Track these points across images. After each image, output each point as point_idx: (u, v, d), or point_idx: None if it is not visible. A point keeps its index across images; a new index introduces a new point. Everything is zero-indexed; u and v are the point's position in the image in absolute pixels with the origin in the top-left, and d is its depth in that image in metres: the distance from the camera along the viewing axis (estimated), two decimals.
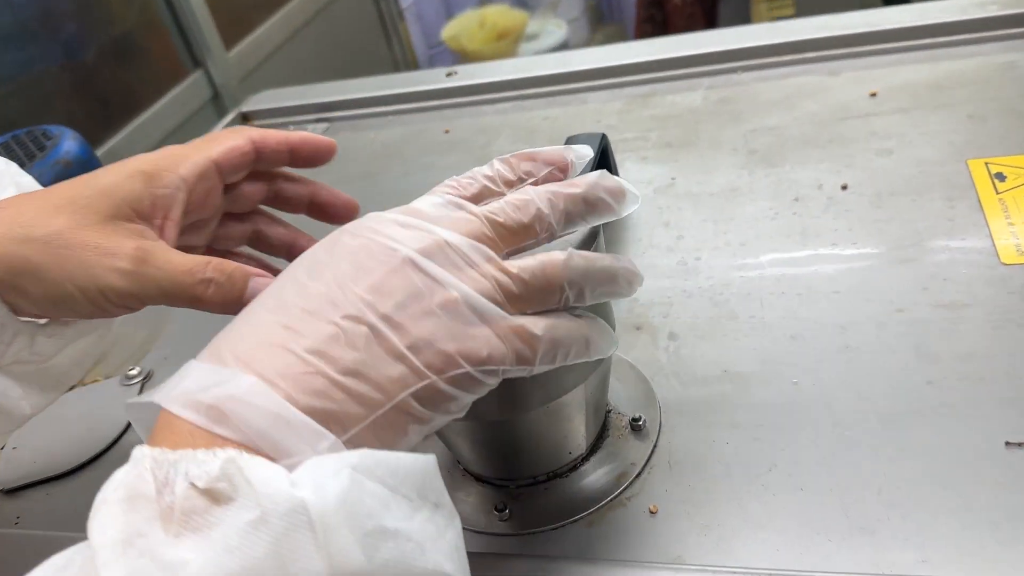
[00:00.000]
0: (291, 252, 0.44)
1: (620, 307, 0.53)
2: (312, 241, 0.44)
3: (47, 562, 0.24)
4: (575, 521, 0.41)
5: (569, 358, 0.32)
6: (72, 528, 0.31)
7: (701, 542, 0.38)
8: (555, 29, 2.32)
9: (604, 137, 0.62)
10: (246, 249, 0.45)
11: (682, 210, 0.62)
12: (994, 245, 0.50)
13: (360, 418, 0.27)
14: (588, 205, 0.34)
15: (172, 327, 0.63)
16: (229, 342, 0.28)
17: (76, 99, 1.37)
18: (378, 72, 2.09)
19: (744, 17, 1.92)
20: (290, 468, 0.25)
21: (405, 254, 0.29)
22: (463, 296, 0.29)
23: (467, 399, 0.30)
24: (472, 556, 0.29)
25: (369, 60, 2.17)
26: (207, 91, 1.61)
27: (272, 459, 0.25)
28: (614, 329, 0.37)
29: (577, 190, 0.33)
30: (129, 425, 0.55)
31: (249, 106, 0.95)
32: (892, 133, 0.64)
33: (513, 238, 0.32)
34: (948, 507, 0.37)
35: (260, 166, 0.41)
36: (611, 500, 0.41)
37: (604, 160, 0.62)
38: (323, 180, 0.80)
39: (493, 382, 0.30)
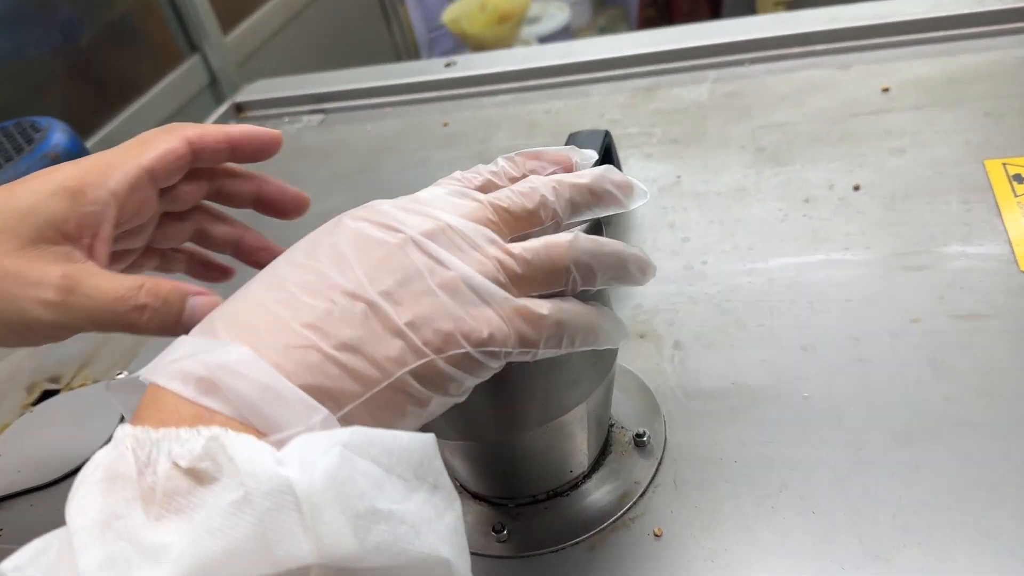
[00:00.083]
0: (237, 249, 0.43)
1: (622, 313, 0.52)
2: (258, 237, 0.43)
3: (26, 547, 0.23)
4: (576, 544, 0.39)
5: (576, 344, 0.31)
6: None
7: (708, 569, 0.37)
8: (557, 12, 2.29)
9: (608, 134, 0.59)
10: (191, 245, 0.43)
11: (688, 211, 0.60)
12: (1013, 252, 0.48)
13: (356, 395, 0.26)
14: (594, 195, 0.33)
15: None
16: (223, 317, 0.27)
17: (71, 85, 1.34)
18: (377, 55, 2.06)
19: (749, 2, 1.89)
20: (280, 444, 0.24)
21: (406, 235, 0.28)
22: (464, 276, 0.28)
23: (468, 382, 0.29)
24: None
25: (368, 43, 2.14)
26: (204, 76, 1.58)
27: (262, 434, 0.24)
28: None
29: (583, 180, 0.33)
30: None
31: (243, 96, 0.93)
32: (906, 131, 0.62)
33: (518, 224, 0.31)
34: (967, 534, 0.35)
35: (200, 164, 0.39)
36: (614, 521, 0.40)
37: (608, 158, 0.60)
38: (320, 175, 0.78)
39: (495, 365, 0.29)
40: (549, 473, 0.40)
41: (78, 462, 0.52)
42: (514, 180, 0.34)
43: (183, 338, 0.27)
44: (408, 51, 2.21)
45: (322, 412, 0.25)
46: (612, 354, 0.39)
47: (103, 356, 0.61)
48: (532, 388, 0.35)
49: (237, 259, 0.43)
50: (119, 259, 0.39)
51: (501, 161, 0.34)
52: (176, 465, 0.22)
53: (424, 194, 0.32)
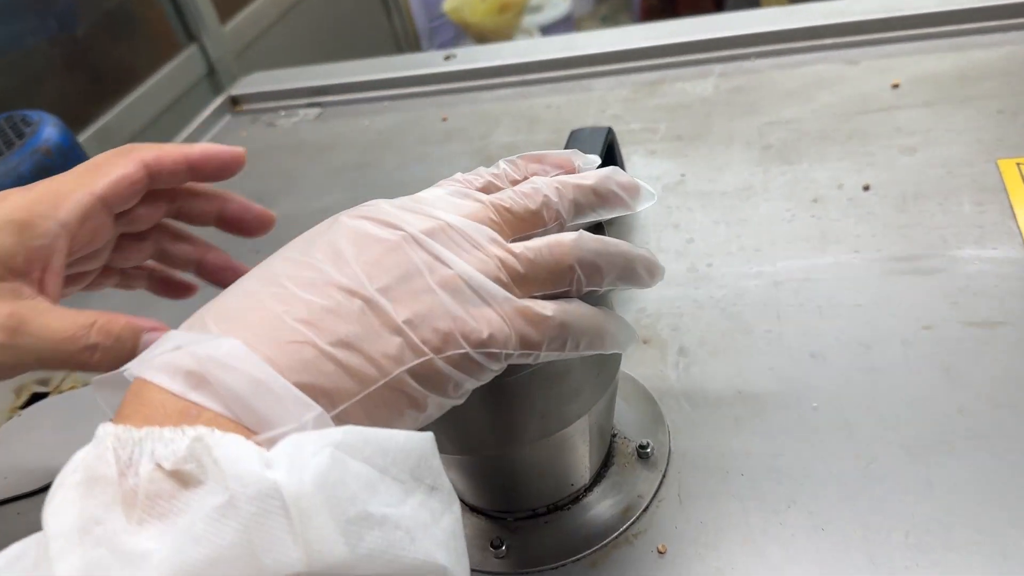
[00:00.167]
0: (199, 268, 0.42)
1: (625, 317, 0.50)
2: (221, 256, 0.42)
3: (1, 553, 0.22)
4: (577, 560, 0.38)
5: (580, 347, 0.30)
6: None
7: None
8: (559, 1, 2.27)
9: (610, 131, 0.58)
10: (152, 262, 0.42)
11: (692, 210, 0.58)
12: None
13: (351, 393, 0.25)
14: (599, 197, 0.32)
15: None
16: (213, 310, 0.26)
17: (66, 76, 1.33)
18: (377, 44, 2.04)
19: None
20: (270, 443, 0.22)
21: (406, 232, 0.28)
22: (464, 274, 0.27)
23: (468, 383, 0.28)
24: None
25: (368, 32, 2.12)
26: (202, 66, 1.56)
27: (252, 432, 0.23)
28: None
29: (587, 181, 0.32)
30: None
31: (239, 89, 0.91)
32: (916, 129, 0.60)
33: (520, 225, 0.30)
34: (983, 554, 0.34)
35: (158, 186, 0.38)
36: (616, 537, 0.38)
37: (610, 155, 0.59)
38: (317, 171, 0.77)
39: (495, 367, 0.28)
40: (549, 487, 0.39)
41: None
42: (516, 183, 0.33)
43: (171, 332, 0.26)
44: (408, 40, 2.19)
45: (315, 410, 0.24)
46: (615, 363, 0.37)
47: None
48: (532, 401, 0.33)
49: (199, 278, 0.42)
50: (75, 281, 0.38)
51: (502, 164, 0.33)
52: (159, 467, 0.21)
53: (424, 194, 0.31)
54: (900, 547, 0.35)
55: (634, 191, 0.33)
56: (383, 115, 0.83)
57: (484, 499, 0.40)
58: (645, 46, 0.78)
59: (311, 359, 0.24)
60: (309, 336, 0.25)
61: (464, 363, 0.27)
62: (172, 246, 0.41)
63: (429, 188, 0.32)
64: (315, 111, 0.86)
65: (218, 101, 0.90)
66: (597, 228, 0.35)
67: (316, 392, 0.24)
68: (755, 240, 0.54)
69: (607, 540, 0.38)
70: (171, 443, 0.22)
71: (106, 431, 0.22)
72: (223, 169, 0.38)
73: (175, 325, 0.27)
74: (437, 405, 0.27)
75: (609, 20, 2.59)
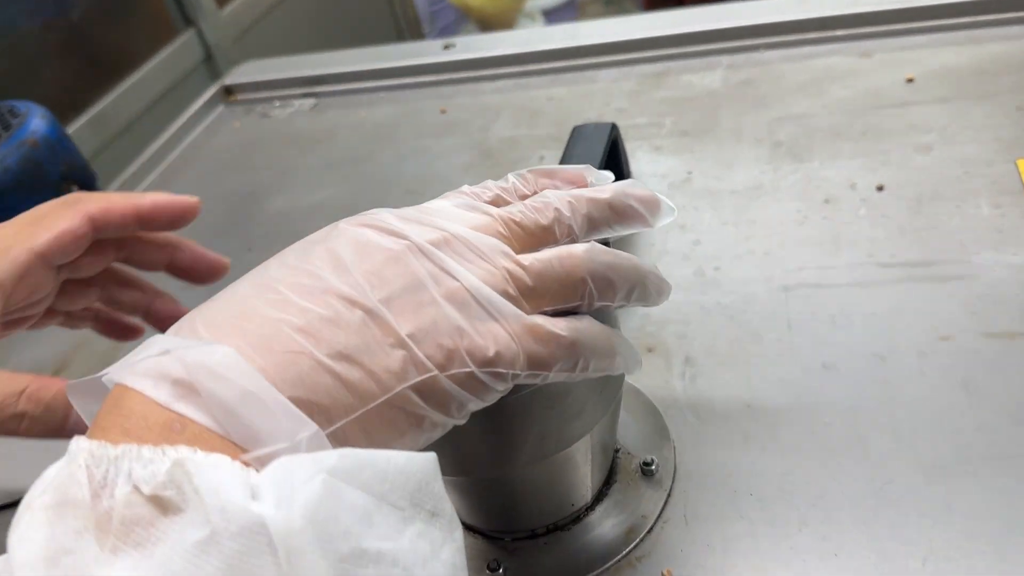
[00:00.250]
0: (147, 315, 0.41)
1: (630, 323, 0.48)
2: (169, 304, 0.41)
3: None
4: None
5: (589, 369, 0.28)
6: None
7: None
8: None
9: (614, 128, 0.56)
10: (99, 304, 0.41)
11: (699, 210, 0.56)
12: None
13: (349, 409, 0.23)
14: (614, 212, 0.30)
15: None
16: (203, 315, 0.25)
17: (60, 61, 1.30)
18: (377, 28, 2.01)
19: None
20: (260, 462, 0.21)
21: (409, 241, 0.26)
22: (471, 287, 0.26)
23: (471, 404, 0.26)
24: None
25: (368, 15, 2.09)
26: (199, 52, 1.54)
27: (241, 448, 0.21)
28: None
29: (603, 195, 0.30)
30: None
31: (232, 79, 0.89)
32: (932, 126, 0.58)
33: (530, 240, 0.29)
34: None
35: (104, 237, 0.36)
36: (619, 560, 0.37)
37: (614, 153, 0.57)
38: (311, 164, 0.75)
39: (501, 388, 0.26)
40: (549, 506, 0.37)
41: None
42: (525, 198, 0.31)
43: (158, 336, 0.24)
44: (409, 24, 2.16)
45: (310, 427, 0.22)
46: (619, 380, 0.36)
47: (79, 359, 0.58)
48: (532, 421, 0.32)
49: (147, 324, 0.41)
50: (16, 324, 0.37)
51: (511, 177, 0.32)
52: (136, 489, 0.19)
53: (430, 205, 0.30)
54: (917, 575, 0.33)
55: (653, 206, 0.31)
56: (380, 106, 0.81)
57: (480, 519, 0.38)
58: (650, 36, 0.75)
59: (308, 371, 0.23)
60: (306, 347, 0.23)
61: (469, 382, 0.25)
62: (119, 292, 0.40)
63: (435, 199, 0.30)
64: (310, 102, 0.84)
65: (211, 91, 0.88)
66: (602, 243, 0.33)
67: (312, 407, 0.22)
68: (764, 243, 0.52)
69: (609, 563, 0.36)
70: (150, 464, 0.20)
71: (79, 446, 0.20)
72: (175, 220, 0.37)
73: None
74: (440, 425, 0.26)
75: (613, 4, 2.55)
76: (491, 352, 0.25)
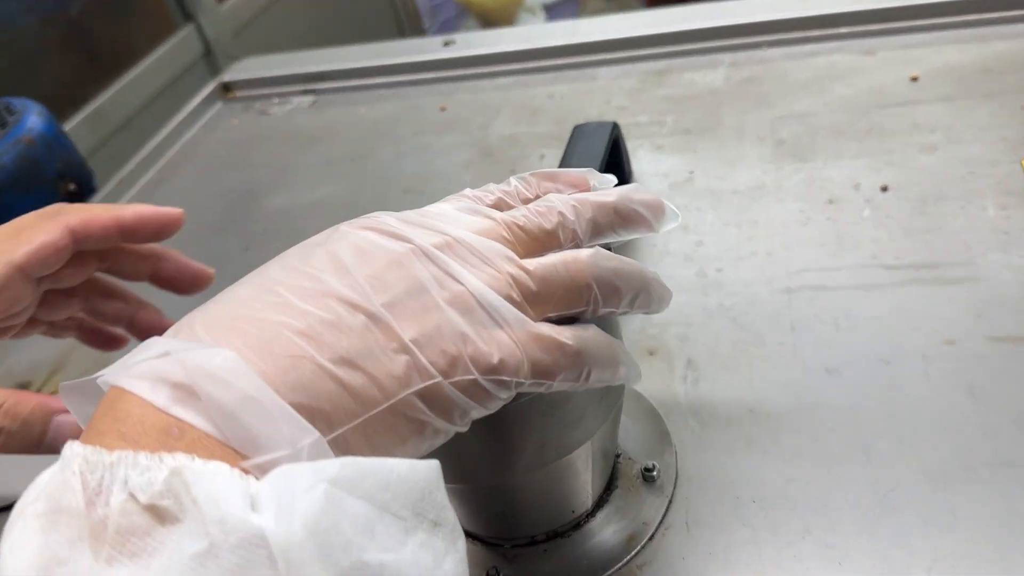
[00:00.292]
0: (130, 326, 0.40)
1: (631, 326, 0.48)
2: (153, 315, 0.40)
3: None
4: None
5: (592, 379, 0.28)
6: None
7: None
8: None
9: (615, 127, 0.55)
10: (82, 314, 0.40)
11: (701, 211, 0.55)
12: None
13: (351, 416, 0.23)
14: (620, 216, 0.30)
15: None
16: (203, 317, 0.24)
17: (59, 56, 1.30)
18: (377, 22, 2.00)
19: None
20: (260, 470, 0.20)
21: (412, 244, 0.26)
22: (475, 291, 0.25)
23: (474, 411, 0.25)
24: None
25: (368, 10, 2.08)
26: (198, 46, 1.53)
27: (241, 455, 0.21)
28: None
29: (608, 199, 0.30)
30: None
31: (231, 75, 0.88)
32: (937, 125, 0.57)
33: (534, 244, 0.28)
34: None
35: (86, 248, 0.36)
36: (620, 568, 0.36)
37: (615, 152, 0.56)
38: (310, 161, 0.74)
39: (504, 396, 0.26)
40: (549, 513, 0.37)
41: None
42: (527, 201, 0.31)
43: (155, 338, 0.23)
44: (409, 18, 2.15)
45: (312, 434, 0.21)
46: (620, 386, 0.35)
47: (76, 359, 0.57)
48: (532, 429, 0.31)
49: (131, 335, 0.41)
50: None
51: (513, 181, 0.32)
52: (133, 497, 0.19)
53: (431, 208, 0.29)
54: None
55: (658, 210, 0.31)
56: (379, 103, 0.80)
57: (479, 525, 0.38)
58: (652, 33, 0.75)
59: (309, 376, 0.22)
60: (308, 351, 0.23)
61: (472, 389, 0.25)
62: (102, 303, 0.39)
63: (436, 203, 0.30)
64: (309, 99, 0.83)
65: (209, 88, 0.87)
66: (605, 247, 0.32)
67: (313, 413, 0.22)
68: (767, 244, 0.51)
69: (610, 571, 0.36)
70: (147, 471, 0.19)
71: (73, 451, 0.20)
72: (159, 232, 0.37)
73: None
74: (442, 432, 0.25)
75: (615, 0, 2.54)
76: (495, 359, 0.25)
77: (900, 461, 0.38)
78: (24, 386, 0.56)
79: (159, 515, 0.19)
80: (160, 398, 0.21)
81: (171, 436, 0.21)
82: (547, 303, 0.27)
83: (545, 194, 0.31)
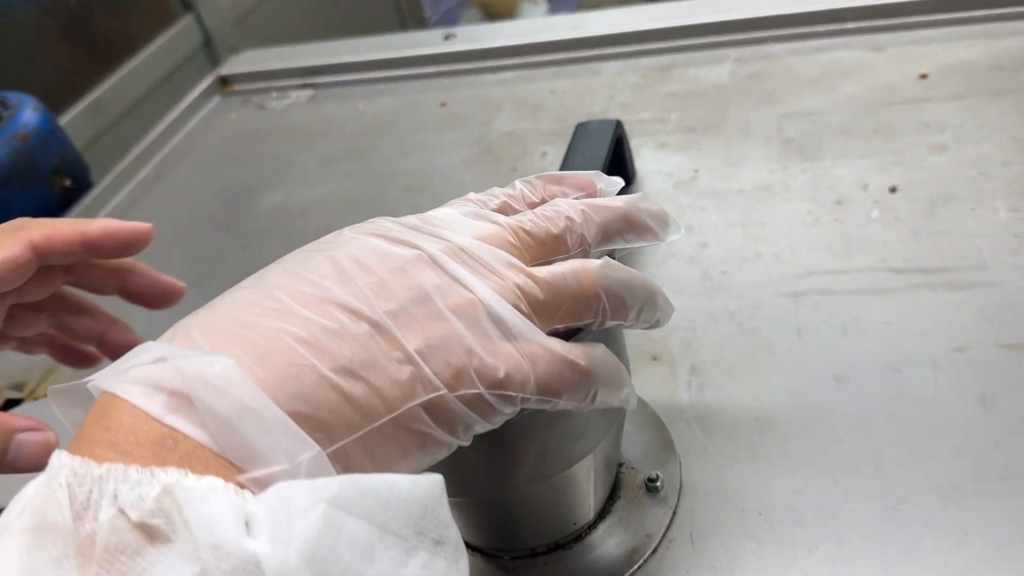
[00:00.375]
0: (100, 344, 0.39)
1: (633, 331, 0.47)
2: (124, 333, 0.39)
3: None
4: None
5: (597, 400, 0.27)
6: None
7: None
8: None
9: (619, 125, 0.54)
10: (53, 331, 0.39)
11: (706, 211, 0.54)
12: None
13: (353, 427, 0.22)
14: (628, 223, 0.29)
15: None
16: (200, 322, 0.23)
17: (58, 46, 1.28)
18: (378, 10, 1.98)
19: None
20: (257, 485, 0.20)
21: (417, 250, 0.25)
22: (482, 301, 0.24)
23: (477, 426, 0.25)
24: None
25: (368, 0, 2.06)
26: (198, 37, 1.52)
27: (238, 468, 0.20)
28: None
29: (616, 204, 0.29)
30: None
31: (229, 69, 0.87)
32: (946, 124, 0.56)
33: (541, 250, 0.28)
34: None
35: (50, 263, 0.35)
36: None
37: (619, 151, 0.55)
38: (308, 159, 0.73)
39: (508, 411, 0.25)
40: (549, 525, 0.36)
41: None
42: (533, 205, 0.30)
43: (149, 343, 0.23)
44: (410, 6, 2.13)
45: (312, 449, 0.21)
46: None
47: None
48: (534, 442, 0.30)
49: (102, 353, 0.39)
50: None
51: (519, 184, 0.31)
52: (122, 513, 0.18)
53: (435, 213, 0.28)
54: None
55: (663, 220, 0.30)
56: (378, 98, 0.79)
57: (478, 536, 0.37)
58: (656, 28, 0.74)
59: (310, 386, 0.21)
60: (309, 359, 0.22)
61: (476, 403, 0.24)
62: (71, 319, 0.38)
63: (440, 207, 0.29)
64: (308, 93, 0.82)
65: (207, 81, 0.86)
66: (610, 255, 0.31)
67: (314, 424, 0.21)
68: (773, 246, 0.50)
69: None
70: (138, 486, 0.18)
71: (61, 462, 0.19)
72: (125, 248, 0.35)
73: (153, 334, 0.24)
74: (445, 446, 0.24)
75: None
76: (501, 374, 0.24)
77: (909, 473, 0.37)
78: (18, 387, 0.55)
79: (150, 534, 0.18)
80: (154, 406, 0.20)
81: (164, 447, 0.20)
82: (555, 314, 0.26)
83: (551, 198, 0.30)
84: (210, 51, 1.50)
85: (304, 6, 1.74)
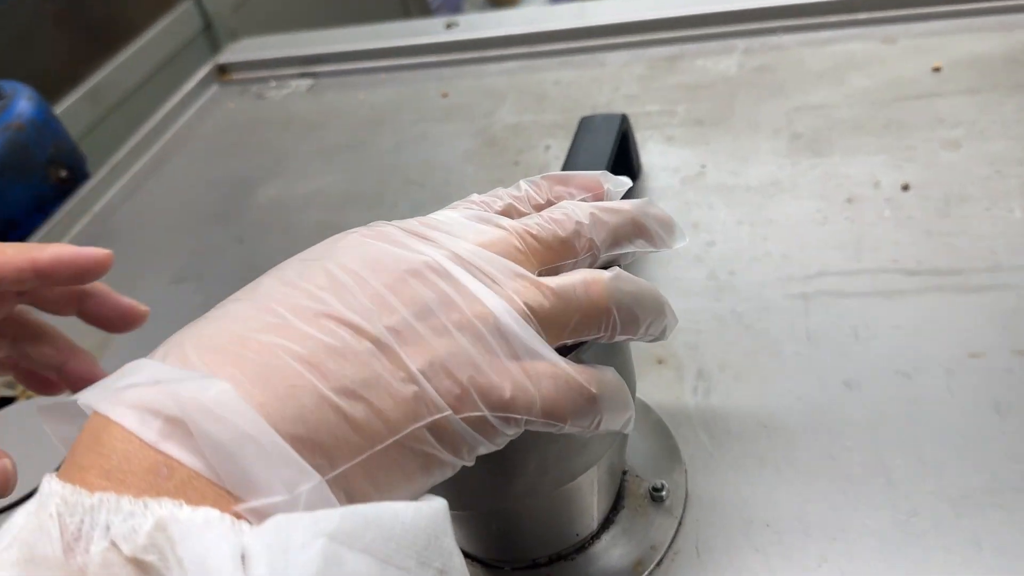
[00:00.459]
0: (61, 374, 0.37)
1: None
2: (86, 363, 0.37)
3: None
4: None
5: (602, 427, 0.26)
6: None
7: None
8: None
9: (624, 119, 0.53)
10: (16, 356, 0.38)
11: (713, 208, 0.53)
12: None
13: (354, 451, 0.21)
14: (637, 228, 0.28)
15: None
16: (195, 339, 0.22)
17: (57, 30, 1.27)
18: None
19: None
20: (255, 515, 0.19)
21: (420, 259, 0.24)
22: (488, 314, 0.23)
23: (481, 447, 0.24)
24: None
25: None
26: (198, 21, 1.50)
27: (235, 498, 0.19)
28: (634, 391, 0.30)
29: (627, 207, 0.28)
30: None
31: (227, 57, 0.86)
32: (960, 120, 0.55)
33: (548, 255, 0.26)
34: None
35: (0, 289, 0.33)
36: None
37: (624, 146, 0.54)
38: (307, 150, 0.72)
39: (511, 432, 0.24)
40: (551, 537, 0.35)
41: (31, 486, 0.47)
42: (539, 207, 0.29)
43: (142, 361, 0.22)
44: None
45: (312, 479, 0.20)
46: None
47: None
48: (534, 456, 0.29)
49: (62, 384, 0.37)
50: None
51: (524, 184, 0.30)
52: (115, 546, 0.17)
53: (438, 216, 0.27)
54: None
55: (670, 226, 0.29)
56: (379, 88, 0.78)
57: (478, 547, 0.36)
58: (663, 17, 0.72)
59: (310, 408, 0.21)
60: (309, 379, 0.21)
61: (480, 424, 0.23)
62: (30, 347, 0.36)
63: (442, 210, 0.28)
64: (307, 82, 0.81)
65: (205, 70, 0.84)
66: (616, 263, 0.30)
67: (314, 448, 0.20)
68: (783, 245, 0.49)
69: None
70: (131, 517, 0.18)
71: (52, 490, 0.18)
72: (79, 276, 0.33)
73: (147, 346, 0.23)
74: (449, 466, 0.24)
75: None
76: (507, 394, 0.23)
77: (921, 484, 0.36)
78: (10, 385, 0.54)
79: (143, 569, 0.17)
80: (149, 433, 0.19)
81: (159, 476, 0.19)
82: (563, 329, 0.25)
83: (557, 199, 0.29)
84: (210, 36, 1.49)
85: None
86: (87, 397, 0.21)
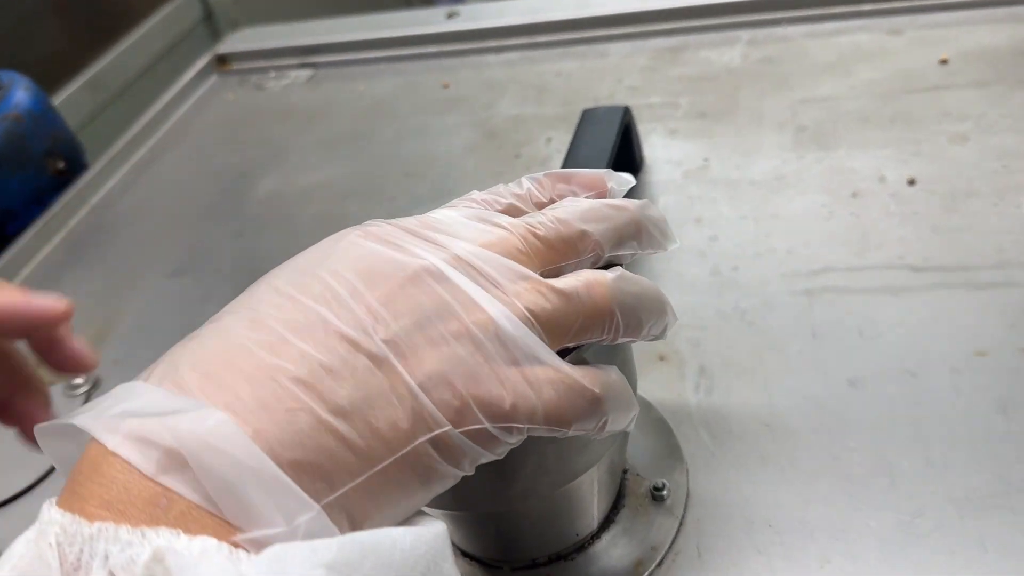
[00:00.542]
0: (7, 407, 0.34)
1: None
2: (39, 405, 0.33)
3: None
4: None
5: (606, 429, 0.26)
6: None
7: None
8: None
9: (627, 111, 0.52)
10: None
11: (716, 202, 0.53)
12: None
13: (353, 473, 0.21)
14: (638, 229, 0.28)
15: (123, 325, 0.56)
16: (190, 359, 0.22)
17: (57, 18, 1.26)
18: None
19: None
20: (254, 546, 0.19)
21: (419, 264, 0.23)
22: (487, 320, 0.23)
23: (483, 458, 0.23)
24: None
25: None
26: (198, 10, 1.49)
27: (233, 528, 0.19)
28: (635, 389, 0.30)
29: (630, 207, 0.28)
30: None
31: (226, 47, 0.85)
32: (968, 113, 0.54)
33: (551, 255, 0.26)
34: None
35: None
36: None
37: (627, 139, 0.53)
38: (306, 142, 0.71)
39: (513, 441, 0.24)
40: (551, 537, 0.35)
41: (25, 483, 0.46)
42: (541, 204, 0.28)
43: (139, 384, 0.21)
44: None
45: (311, 509, 0.20)
46: None
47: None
48: (534, 457, 0.29)
49: (2, 417, 0.34)
50: None
51: (525, 182, 0.29)
52: None
53: (437, 216, 0.26)
54: None
55: (665, 228, 0.29)
56: (379, 79, 0.77)
57: (477, 546, 0.36)
58: (666, 7, 0.71)
59: (308, 431, 0.20)
60: (306, 401, 0.21)
61: (481, 436, 0.23)
62: None
63: (441, 208, 0.27)
64: (307, 73, 0.80)
65: (203, 60, 0.84)
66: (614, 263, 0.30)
67: (313, 472, 0.20)
68: (787, 240, 0.48)
69: None
70: (129, 547, 0.18)
71: (51, 518, 0.19)
72: (30, 330, 0.31)
73: (161, 338, 0.23)
74: (449, 478, 0.23)
75: None
76: (507, 405, 0.22)
77: (926, 484, 0.35)
78: None
79: None
80: (149, 465, 0.19)
81: (159, 507, 0.19)
82: (566, 332, 0.25)
83: (559, 197, 0.29)
84: (211, 25, 1.48)
85: None
86: (84, 421, 0.20)
